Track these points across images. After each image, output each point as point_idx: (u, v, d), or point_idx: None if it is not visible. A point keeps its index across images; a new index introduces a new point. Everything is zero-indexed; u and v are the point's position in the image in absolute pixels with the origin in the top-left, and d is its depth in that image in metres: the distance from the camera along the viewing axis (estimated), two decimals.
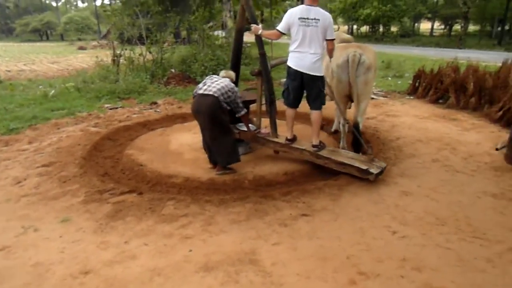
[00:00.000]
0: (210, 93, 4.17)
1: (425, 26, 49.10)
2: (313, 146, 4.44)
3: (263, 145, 4.88)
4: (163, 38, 11.14)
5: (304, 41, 4.05)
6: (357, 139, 4.61)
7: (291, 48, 4.18)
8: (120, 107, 7.93)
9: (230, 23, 15.26)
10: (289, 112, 4.52)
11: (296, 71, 4.18)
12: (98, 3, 55.81)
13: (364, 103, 4.72)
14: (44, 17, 61.65)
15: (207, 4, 16.00)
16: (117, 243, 3.02)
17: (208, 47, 12.04)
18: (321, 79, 4.27)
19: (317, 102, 4.33)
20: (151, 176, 4.43)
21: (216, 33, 16.20)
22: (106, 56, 12.09)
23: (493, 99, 6.95)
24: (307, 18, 3.98)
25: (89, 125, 6.60)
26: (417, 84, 8.88)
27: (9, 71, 18.65)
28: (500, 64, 8.20)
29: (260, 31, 4.33)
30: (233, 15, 15.41)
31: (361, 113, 4.70)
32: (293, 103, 4.46)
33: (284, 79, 7.05)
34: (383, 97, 8.70)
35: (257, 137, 4.85)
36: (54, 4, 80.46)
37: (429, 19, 43.53)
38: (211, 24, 22.51)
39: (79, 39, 50.69)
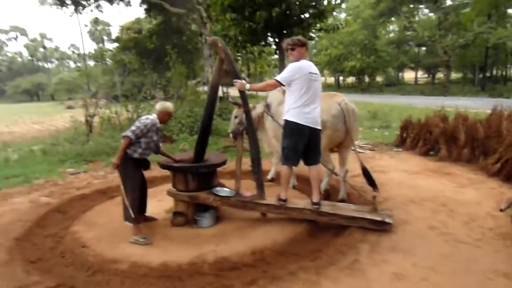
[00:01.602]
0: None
1: (409, 75, 50.35)
2: (314, 203, 4.14)
3: (251, 209, 4.36)
4: (138, 95, 10.74)
5: (313, 95, 3.93)
6: (372, 179, 4.75)
7: (297, 104, 3.91)
8: (83, 171, 7.24)
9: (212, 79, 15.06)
10: (288, 171, 4.29)
11: (305, 127, 3.94)
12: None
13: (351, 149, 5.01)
14: (36, 78, 62.66)
15: (185, 61, 15.94)
16: None
17: (187, 104, 11.62)
18: None
19: (318, 156, 4.22)
20: (93, 261, 3.66)
21: (200, 89, 16.11)
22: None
23: (487, 150, 6.40)
24: (313, 73, 3.92)
25: (42, 194, 5.86)
26: (404, 135, 8.39)
27: None
28: (489, 111, 7.78)
29: (247, 86, 4.06)
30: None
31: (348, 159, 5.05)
32: (297, 162, 4.19)
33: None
34: (370, 150, 8.15)
35: (245, 202, 4.32)
36: (46, 66, 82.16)
37: (412, 68, 44.67)
38: (197, 80, 22.68)
39: (70, 98, 50.94)
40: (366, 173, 4.77)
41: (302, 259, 3.51)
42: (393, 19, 34.81)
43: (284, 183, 4.29)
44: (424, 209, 4.58)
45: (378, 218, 3.99)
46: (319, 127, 4.08)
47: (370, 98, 25.67)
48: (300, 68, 3.87)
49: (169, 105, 4.29)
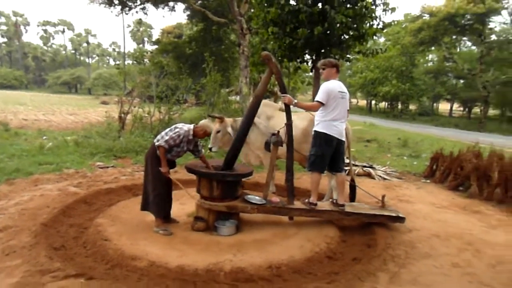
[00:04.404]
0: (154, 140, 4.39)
1: (444, 106, 49.22)
2: (340, 205, 4.71)
3: (285, 214, 4.69)
4: (171, 98, 10.98)
5: (341, 111, 4.47)
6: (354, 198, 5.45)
7: (327, 117, 4.45)
8: (112, 166, 7.44)
9: (245, 89, 15.22)
10: (318, 177, 4.68)
11: (333, 137, 4.47)
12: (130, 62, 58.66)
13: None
14: (76, 71, 65.07)
15: (221, 70, 16.22)
16: None
17: (218, 111, 11.77)
18: None
19: (343, 164, 4.79)
20: (113, 255, 3.73)
21: (232, 98, 16.35)
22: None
23: None
24: (342, 92, 4.46)
25: (71, 184, 6.06)
26: (434, 167, 8.18)
27: (25, 119, 18.88)
28: None
29: (294, 102, 4.44)
30: (249, 82, 15.44)
31: None
32: (324, 168, 4.70)
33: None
34: (397, 178, 7.98)
35: (280, 208, 4.58)
36: (87, 60, 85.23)
37: (448, 100, 43.60)
38: (230, 89, 22.92)
39: (105, 94, 52.52)
40: (353, 190, 5.41)
41: (319, 280, 3.45)
42: (433, 48, 34.28)
43: (315, 188, 4.70)
44: (449, 245, 4.42)
45: (394, 214, 4.76)
46: (344, 139, 4.65)
47: (401, 125, 25.27)
48: (332, 88, 4.41)
49: (209, 125, 4.60)
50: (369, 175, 7.97)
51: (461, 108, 43.68)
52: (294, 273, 3.62)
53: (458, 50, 35.74)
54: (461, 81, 38.55)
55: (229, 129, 5.64)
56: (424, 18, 30.59)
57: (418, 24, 29.79)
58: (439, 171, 7.92)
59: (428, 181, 7.89)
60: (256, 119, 5.71)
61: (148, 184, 4.39)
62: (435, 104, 47.24)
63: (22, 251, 3.62)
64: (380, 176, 7.92)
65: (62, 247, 3.91)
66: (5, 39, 77.13)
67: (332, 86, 4.42)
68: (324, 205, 4.82)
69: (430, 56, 42.62)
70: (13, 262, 3.41)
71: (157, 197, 4.32)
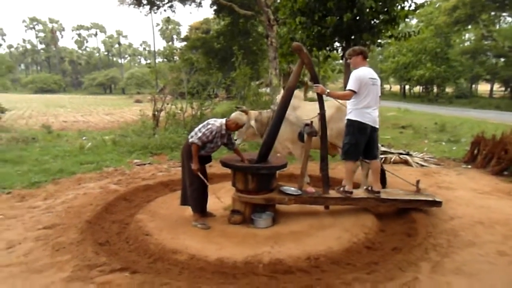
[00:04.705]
0: (188, 137, 4.40)
1: (483, 87, 46.96)
2: (376, 192, 4.68)
3: (321, 204, 4.74)
4: (203, 94, 11.11)
5: (373, 98, 4.42)
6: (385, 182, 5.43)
7: (360, 105, 4.40)
8: (148, 163, 7.66)
9: (275, 81, 15.16)
10: (353, 166, 4.70)
11: (367, 125, 4.43)
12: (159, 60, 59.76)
13: None
14: (109, 72, 67.18)
15: (250, 62, 16.18)
16: None
17: (249, 104, 11.82)
18: None
19: (377, 152, 4.80)
20: (154, 250, 3.86)
21: (262, 90, 16.36)
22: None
23: None
24: (373, 78, 4.42)
25: (111, 181, 6.29)
26: (475, 152, 7.85)
27: (65, 121, 19.75)
28: None
29: (327, 92, 4.41)
30: (278, 73, 15.36)
31: None
32: (358, 157, 4.72)
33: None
34: (436, 164, 7.73)
35: (316, 198, 4.60)
36: (120, 61, 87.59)
37: (487, 80, 41.50)
38: (260, 81, 22.90)
39: (138, 93, 53.82)
40: (382, 175, 5.25)
41: (358, 270, 3.42)
42: (469, 27, 32.70)
43: (350, 177, 4.67)
44: (494, 232, 4.25)
45: (430, 199, 4.70)
46: (377, 126, 4.57)
47: (438, 109, 24.40)
48: (363, 76, 4.36)
49: (241, 117, 4.67)
50: (406, 162, 7.77)
51: (503, 88, 41.41)
52: (332, 264, 3.60)
53: (497, 27, 33.87)
54: (502, 59, 36.46)
55: (252, 122, 5.65)
56: None
57: (453, 3, 28.54)
58: (481, 155, 7.60)
59: (469, 166, 7.59)
60: None
61: (186, 179, 4.48)
62: (473, 86, 45.10)
63: (70, 247, 3.81)
64: (418, 163, 7.70)
65: (106, 243, 4.09)
66: (43, 46, 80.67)
67: (362, 73, 4.39)
68: (359, 193, 4.78)
69: (467, 36, 40.66)
70: (63, 257, 3.59)
71: (195, 192, 4.40)
